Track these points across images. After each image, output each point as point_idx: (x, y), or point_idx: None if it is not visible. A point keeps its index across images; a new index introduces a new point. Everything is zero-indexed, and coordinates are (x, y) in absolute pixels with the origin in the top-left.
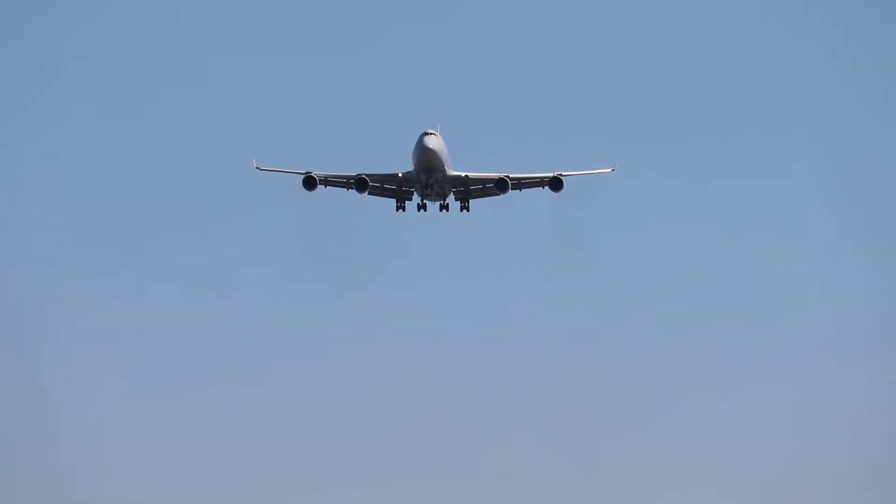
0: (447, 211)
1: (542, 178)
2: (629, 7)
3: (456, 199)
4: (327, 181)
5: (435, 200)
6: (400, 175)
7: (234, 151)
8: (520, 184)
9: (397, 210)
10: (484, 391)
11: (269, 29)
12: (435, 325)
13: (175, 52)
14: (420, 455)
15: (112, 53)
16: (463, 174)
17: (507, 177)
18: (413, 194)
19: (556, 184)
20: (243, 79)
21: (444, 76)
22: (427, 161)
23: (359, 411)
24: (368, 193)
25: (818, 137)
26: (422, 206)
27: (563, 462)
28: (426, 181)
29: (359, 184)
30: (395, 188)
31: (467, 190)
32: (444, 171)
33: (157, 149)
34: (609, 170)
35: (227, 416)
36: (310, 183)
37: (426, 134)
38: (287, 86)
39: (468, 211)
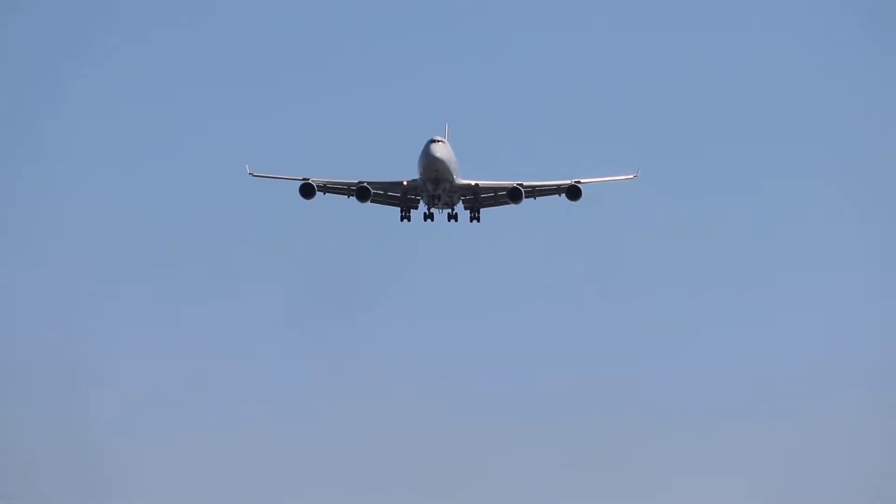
0: (456, 221)
1: (558, 185)
2: (646, 9)
3: (465, 208)
4: (326, 188)
5: (443, 209)
6: (405, 183)
7: (230, 157)
8: (534, 192)
9: (402, 220)
10: (492, 426)
11: (271, 30)
12: (438, 362)
13: (175, 56)
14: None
15: (108, 58)
16: (473, 183)
17: (521, 185)
18: (419, 202)
19: (573, 192)
20: (241, 82)
21: (453, 77)
22: (434, 171)
23: (362, 444)
24: (371, 202)
25: (844, 139)
26: (428, 216)
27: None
28: (433, 191)
29: (360, 192)
30: (399, 196)
31: (478, 199)
32: (452, 180)
33: (151, 156)
34: (632, 176)
35: (223, 441)
36: (308, 190)
37: (433, 141)
38: (287, 88)
39: (479, 221)
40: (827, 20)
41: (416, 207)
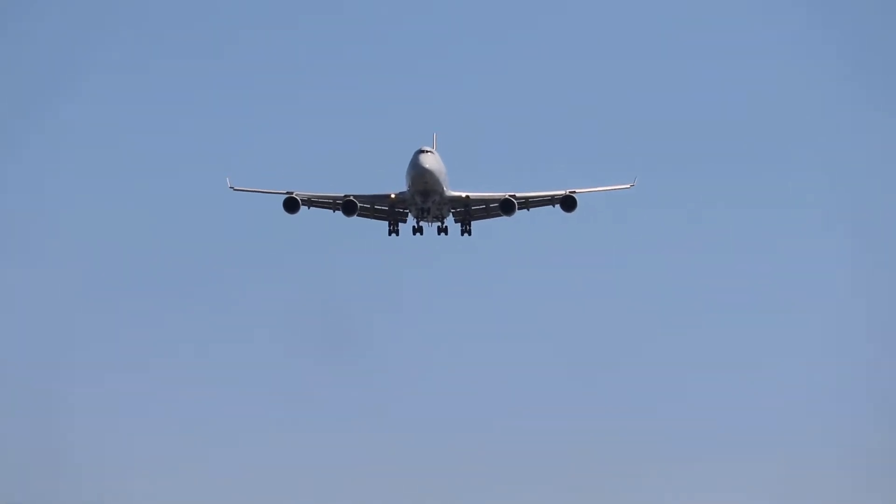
0: (446, 234)
1: (552, 196)
2: (638, 19)
3: (456, 221)
4: (311, 202)
5: (432, 223)
6: (392, 196)
7: (210, 169)
8: (527, 203)
9: (390, 234)
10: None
11: (254, 37)
12: (430, 392)
13: (157, 64)
14: None
15: (81, 70)
16: (464, 194)
17: (514, 196)
18: (408, 216)
19: (568, 203)
20: (222, 92)
21: (442, 86)
22: (423, 183)
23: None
24: (357, 216)
25: (832, 162)
26: (418, 230)
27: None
28: (422, 204)
29: (346, 206)
30: (386, 210)
31: (468, 211)
32: (441, 192)
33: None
34: (629, 185)
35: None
36: (291, 205)
37: (421, 152)
38: (270, 100)
39: (470, 234)
40: (818, 52)
41: (405, 221)
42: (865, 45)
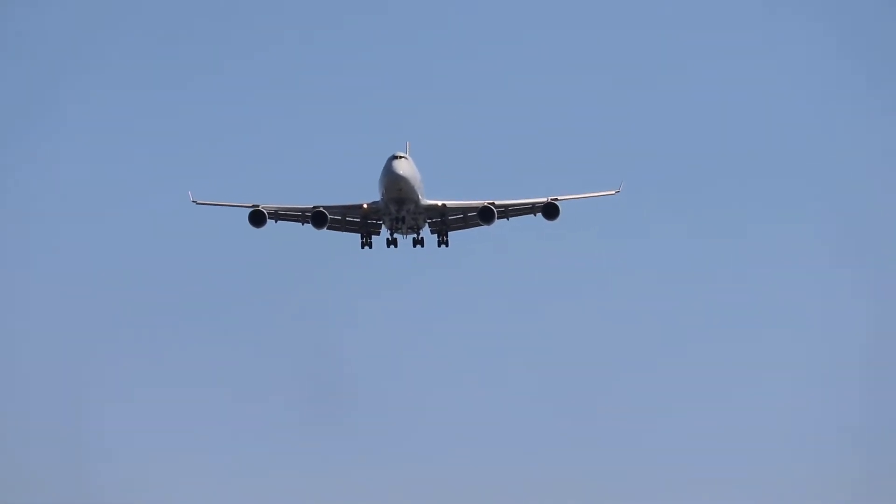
0: (422, 246)
1: (533, 204)
2: (623, 25)
3: (432, 232)
4: (278, 215)
5: (407, 234)
6: (365, 206)
7: (170, 183)
8: (507, 212)
9: (363, 247)
10: None
11: (218, 48)
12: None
13: (130, 77)
14: None
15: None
16: (440, 203)
17: (493, 204)
18: (381, 227)
19: (550, 210)
20: (183, 104)
21: (416, 90)
22: (397, 189)
23: None
24: (328, 228)
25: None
26: (392, 242)
27: None
28: (396, 213)
29: (315, 217)
30: (359, 221)
31: (445, 221)
32: (417, 200)
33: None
34: (613, 192)
35: None
36: (258, 218)
37: (395, 158)
38: (232, 109)
39: (447, 246)
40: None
41: (378, 233)
42: (871, 54)
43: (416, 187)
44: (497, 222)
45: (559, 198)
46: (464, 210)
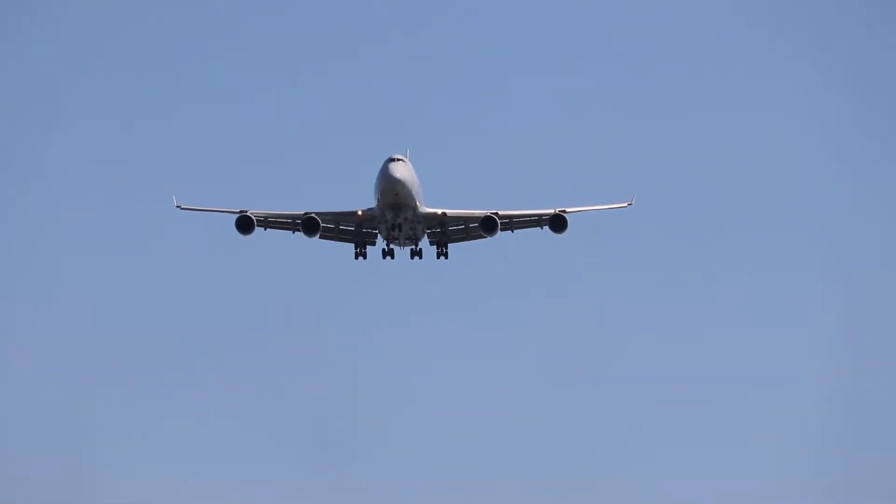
0: (420, 258)
1: (540, 215)
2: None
3: (431, 243)
4: (267, 222)
5: (405, 245)
6: (359, 213)
7: (153, 187)
8: (511, 223)
9: (356, 257)
10: None
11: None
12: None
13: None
14: None
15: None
16: (440, 211)
17: (496, 214)
18: (377, 236)
19: (557, 222)
20: (165, 105)
21: (416, 93)
22: (394, 194)
23: None
24: (319, 237)
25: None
26: (388, 253)
27: None
28: (393, 220)
29: (307, 224)
30: (353, 230)
31: (445, 231)
32: (415, 207)
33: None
34: (626, 204)
35: None
36: (245, 224)
37: (392, 160)
38: (221, 109)
39: (447, 258)
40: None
41: (374, 243)
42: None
43: (413, 193)
44: (501, 234)
45: (567, 209)
46: (465, 220)
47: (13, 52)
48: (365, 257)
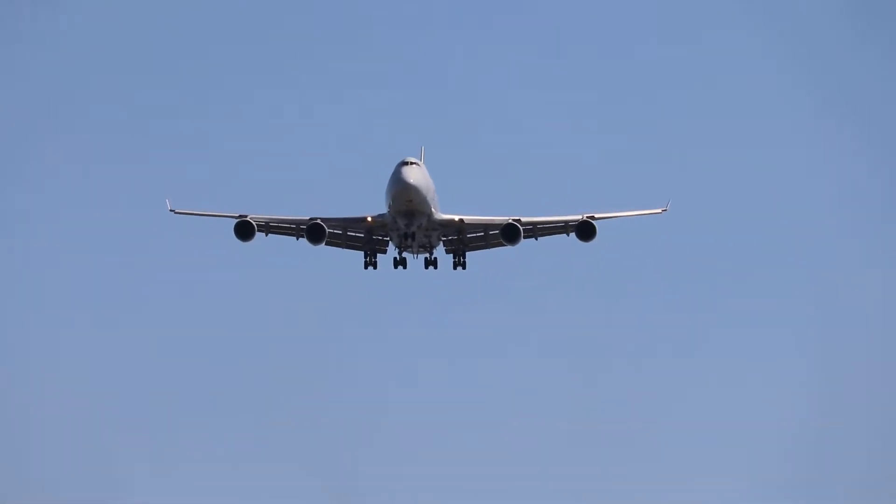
0: (435, 268)
1: (566, 222)
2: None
3: (448, 252)
4: (269, 227)
5: (418, 254)
6: (369, 219)
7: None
8: (535, 230)
9: (366, 267)
10: None
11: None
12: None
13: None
14: None
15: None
16: (457, 218)
17: (518, 221)
18: (388, 244)
19: (585, 230)
20: (164, 108)
21: (431, 92)
22: (407, 200)
23: None
24: (326, 244)
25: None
26: (400, 262)
27: None
28: (405, 228)
29: (312, 231)
30: (363, 237)
31: (462, 239)
32: (429, 214)
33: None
34: (660, 210)
35: None
36: (245, 230)
37: (404, 164)
38: (224, 110)
39: (464, 268)
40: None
41: (385, 251)
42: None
43: (428, 199)
44: (523, 242)
45: (596, 215)
46: (485, 227)
47: (12, 52)
48: (375, 267)
